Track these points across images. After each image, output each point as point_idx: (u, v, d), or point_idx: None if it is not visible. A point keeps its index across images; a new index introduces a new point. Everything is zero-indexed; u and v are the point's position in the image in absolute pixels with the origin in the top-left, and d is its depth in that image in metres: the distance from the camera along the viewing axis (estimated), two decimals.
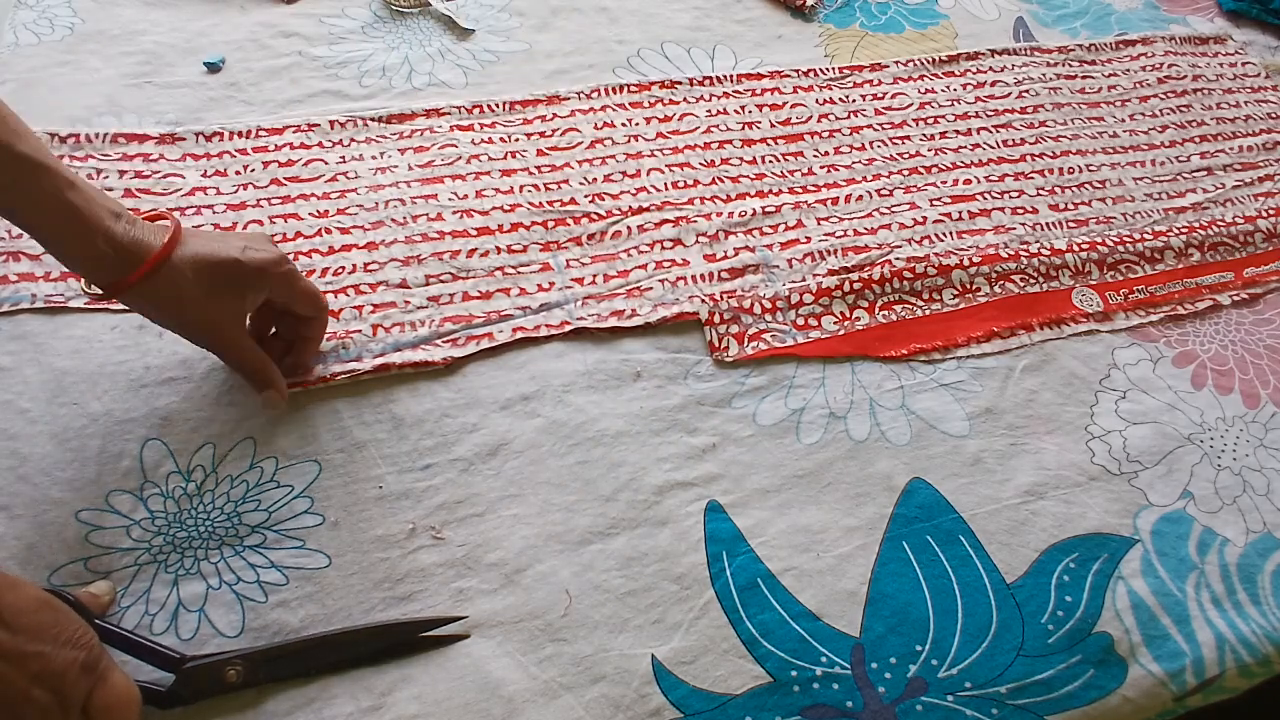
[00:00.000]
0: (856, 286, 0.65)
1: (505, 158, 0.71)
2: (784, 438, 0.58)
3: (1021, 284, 0.67)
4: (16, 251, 0.60)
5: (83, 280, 0.50)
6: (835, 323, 0.64)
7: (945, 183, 0.74)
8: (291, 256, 0.58)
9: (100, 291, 0.49)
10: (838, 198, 0.71)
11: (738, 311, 0.63)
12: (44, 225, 0.46)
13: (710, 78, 0.79)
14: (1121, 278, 0.69)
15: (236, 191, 0.66)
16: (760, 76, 0.80)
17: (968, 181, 0.74)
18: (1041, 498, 0.57)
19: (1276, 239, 0.74)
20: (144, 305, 0.50)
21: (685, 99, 0.77)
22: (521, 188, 0.69)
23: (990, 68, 0.84)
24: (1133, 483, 0.58)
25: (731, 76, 0.79)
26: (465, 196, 0.68)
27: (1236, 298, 0.69)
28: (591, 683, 0.48)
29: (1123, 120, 0.82)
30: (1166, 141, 0.80)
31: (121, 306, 0.57)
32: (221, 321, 0.51)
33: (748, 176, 0.72)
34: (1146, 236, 0.72)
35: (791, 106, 0.78)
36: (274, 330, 0.58)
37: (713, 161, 0.72)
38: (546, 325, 0.61)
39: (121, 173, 0.65)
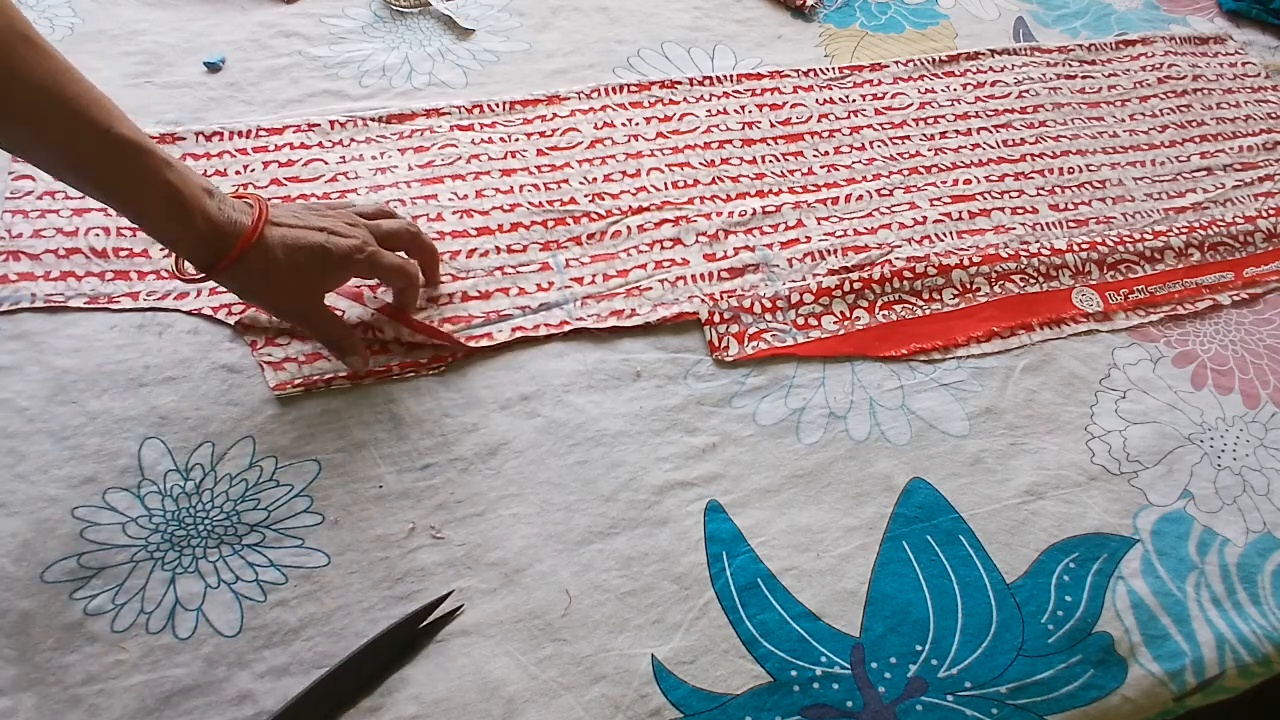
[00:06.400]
0: (856, 286, 0.65)
1: (505, 158, 0.70)
2: (784, 437, 0.58)
3: (1021, 284, 0.67)
4: (17, 251, 0.60)
5: (174, 259, 0.51)
6: (835, 322, 0.64)
7: (945, 183, 0.74)
8: None
9: (195, 273, 0.50)
10: (838, 197, 0.71)
11: (738, 311, 0.63)
12: (146, 205, 0.47)
13: (710, 78, 0.79)
14: (1121, 278, 0.69)
15: (236, 191, 0.66)
16: (760, 76, 0.80)
17: (968, 181, 0.74)
18: (1041, 498, 0.57)
19: (1276, 239, 0.74)
20: (236, 284, 0.51)
21: (685, 99, 0.77)
22: (521, 188, 0.69)
23: (990, 68, 0.84)
24: (1133, 483, 0.58)
25: (731, 76, 0.79)
26: (465, 196, 0.67)
27: (1236, 298, 0.69)
28: (591, 683, 0.48)
29: (1123, 120, 0.82)
30: (1166, 141, 0.80)
31: (121, 306, 0.59)
32: (305, 299, 0.54)
33: (748, 176, 0.72)
34: (1146, 236, 0.72)
35: (791, 106, 0.78)
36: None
37: (713, 161, 0.72)
38: (546, 325, 0.61)
39: None
